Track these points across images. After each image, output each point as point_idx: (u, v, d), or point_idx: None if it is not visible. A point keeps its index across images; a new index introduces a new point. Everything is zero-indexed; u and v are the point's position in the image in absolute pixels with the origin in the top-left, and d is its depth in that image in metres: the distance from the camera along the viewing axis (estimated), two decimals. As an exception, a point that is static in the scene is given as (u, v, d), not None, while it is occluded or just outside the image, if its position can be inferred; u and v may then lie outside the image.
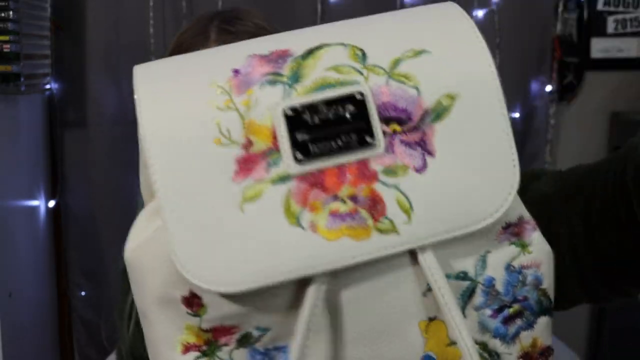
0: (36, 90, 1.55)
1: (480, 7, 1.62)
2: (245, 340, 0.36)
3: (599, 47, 1.72)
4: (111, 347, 1.54)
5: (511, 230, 0.39)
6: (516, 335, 0.39)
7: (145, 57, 1.62)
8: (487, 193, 0.36)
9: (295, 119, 0.35)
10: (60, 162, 1.68)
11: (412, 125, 0.36)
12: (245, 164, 0.35)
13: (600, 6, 1.67)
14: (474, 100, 0.37)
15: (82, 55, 1.64)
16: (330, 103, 0.35)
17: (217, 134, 0.35)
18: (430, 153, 0.36)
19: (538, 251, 0.39)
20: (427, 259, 0.36)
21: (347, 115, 0.35)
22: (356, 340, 0.37)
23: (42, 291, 1.67)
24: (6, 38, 1.37)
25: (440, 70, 0.37)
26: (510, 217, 0.38)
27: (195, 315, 0.36)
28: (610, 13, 1.68)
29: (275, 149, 0.35)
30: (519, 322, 0.39)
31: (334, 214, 0.34)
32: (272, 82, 0.36)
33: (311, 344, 0.35)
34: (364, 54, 0.37)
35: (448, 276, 0.37)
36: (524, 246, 0.39)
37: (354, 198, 0.35)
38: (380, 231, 0.35)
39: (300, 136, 0.35)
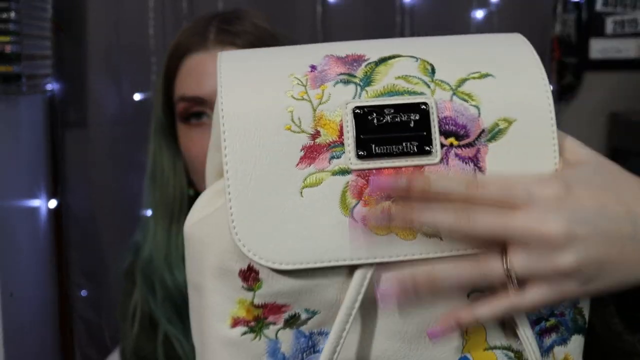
0: (37, 91, 1.56)
1: (480, 7, 1.62)
2: (293, 321, 0.38)
3: (598, 48, 1.72)
4: (112, 347, 1.54)
5: None
6: (550, 348, 0.40)
7: (145, 58, 1.62)
8: None
9: (362, 118, 0.37)
10: (61, 163, 1.68)
11: (468, 142, 0.38)
12: (311, 153, 0.37)
13: (599, 7, 1.68)
14: (528, 126, 0.38)
15: (83, 56, 1.64)
16: (396, 109, 0.38)
17: (289, 122, 0.38)
18: (480, 169, 0.38)
19: None
20: None
21: (411, 123, 0.38)
22: (392, 336, 0.38)
23: (43, 291, 1.68)
24: (7, 39, 1.38)
25: (501, 94, 0.39)
26: None
27: (250, 289, 0.38)
28: (609, 14, 1.69)
29: (340, 143, 0.37)
30: (554, 336, 0.41)
31: (385, 212, 0.36)
32: (345, 82, 0.38)
33: (351, 332, 0.37)
34: (433, 69, 0.39)
35: None
36: None
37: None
38: (425, 235, 0.36)
39: (365, 135, 0.37)
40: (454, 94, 0.39)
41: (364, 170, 0.37)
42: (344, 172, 0.37)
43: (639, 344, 0.47)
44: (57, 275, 1.73)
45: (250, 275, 0.37)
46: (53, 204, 1.69)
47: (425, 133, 0.37)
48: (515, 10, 1.63)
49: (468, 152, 0.38)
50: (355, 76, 0.39)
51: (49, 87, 1.59)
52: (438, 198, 0.36)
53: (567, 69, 1.72)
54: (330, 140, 0.37)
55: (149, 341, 0.80)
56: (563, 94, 1.75)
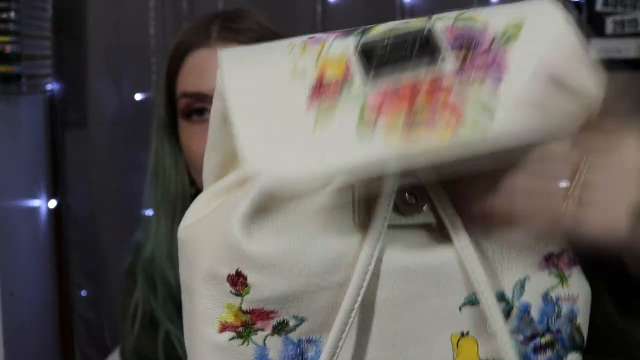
0: (37, 91, 1.56)
1: (479, 7, 1.62)
2: (281, 328, 0.37)
3: (598, 48, 1.72)
4: (112, 347, 1.54)
5: (552, 261, 0.39)
6: None
7: (145, 58, 1.62)
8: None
9: (367, 53, 0.36)
10: (61, 163, 1.68)
11: (484, 49, 0.36)
12: (319, 90, 0.35)
13: (599, 7, 1.68)
14: (539, 25, 0.37)
15: (83, 56, 1.64)
16: (400, 37, 0.36)
17: (292, 73, 0.36)
18: (504, 68, 0.35)
19: (576, 286, 0.40)
20: (478, 273, 0.37)
21: (416, 46, 0.36)
22: (383, 344, 0.38)
23: (43, 291, 1.68)
24: (7, 39, 1.38)
25: (503, 13, 0.38)
26: (553, 248, 0.39)
27: (238, 294, 0.37)
28: (609, 14, 1.69)
29: (349, 77, 0.35)
30: (549, 353, 0.40)
31: (409, 122, 0.34)
32: (345, 35, 0.38)
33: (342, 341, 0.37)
34: (430, 17, 0.39)
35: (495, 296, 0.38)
36: (562, 278, 0.40)
37: (431, 108, 0.34)
38: (470, 129, 0.34)
39: (374, 62, 0.35)
40: (455, 20, 0.38)
41: (378, 90, 0.35)
42: (358, 96, 0.35)
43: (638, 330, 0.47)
44: (57, 275, 1.73)
45: (238, 280, 0.37)
46: (53, 204, 1.69)
47: (434, 49, 0.36)
48: (515, 10, 1.63)
49: (486, 57, 0.36)
50: (353, 32, 0.38)
51: (49, 87, 1.59)
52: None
53: (567, 69, 1.72)
54: (339, 77, 0.36)
55: (149, 340, 0.80)
56: (563, 94, 1.75)
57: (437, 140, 0.33)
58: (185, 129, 0.74)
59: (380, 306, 0.37)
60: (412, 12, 1.62)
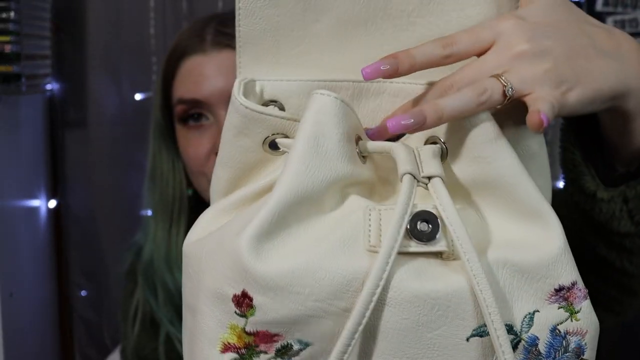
0: (37, 91, 1.55)
1: (480, 7, 1.62)
2: (284, 352, 0.37)
3: (598, 48, 1.72)
4: (112, 347, 1.54)
5: (563, 294, 0.39)
6: None
7: (145, 58, 1.62)
8: None
9: None
10: (60, 162, 1.68)
11: None
12: None
13: (599, 7, 1.68)
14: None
15: (83, 56, 1.64)
16: None
17: None
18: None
19: (585, 320, 0.39)
20: (489, 303, 0.36)
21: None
22: None
23: (43, 291, 1.68)
24: (7, 38, 1.38)
25: None
26: (564, 281, 0.39)
27: (242, 315, 0.37)
28: (610, 14, 1.69)
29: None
30: None
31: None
32: None
33: None
34: None
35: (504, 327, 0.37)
36: (572, 312, 0.39)
37: None
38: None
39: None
40: None
41: None
42: None
43: (615, 200, 0.47)
44: (57, 275, 1.73)
45: (244, 302, 0.36)
46: (53, 204, 1.69)
47: None
48: (515, 10, 1.63)
49: None
50: None
51: (49, 87, 1.59)
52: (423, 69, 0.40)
53: (567, 68, 1.72)
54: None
55: (150, 341, 0.80)
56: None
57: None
58: (182, 133, 0.75)
59: (384, 334, 0.37)
60: (412, 12, 1.62)
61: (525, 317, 0.38)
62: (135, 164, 1.65)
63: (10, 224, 1.50)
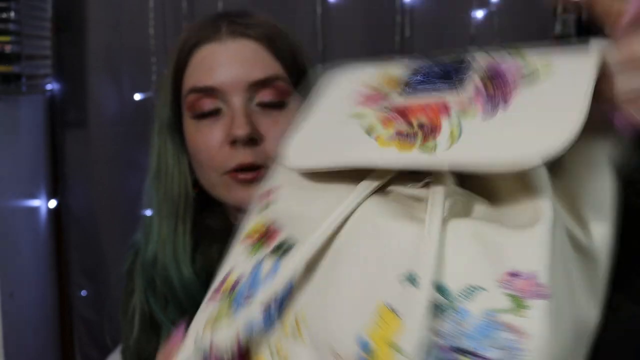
0: (37, 91, 1.56)
1: (480, 7, 1.62)
2: (276, 250, 0.42)
3: (599, 48, 1.72)
4: (112, 347, 1.54)
5: (517, 281, 0.34)
6: None
7: (145, 58, 1.62)
8: (526, 150, 0.36)
9: (415, 73, 0.43)
10: (61, 163, 1.68)
11: (504, 82, 0.40)
12: (368, 98, 0.45)
13: (599, 6, 1.68)
14: (565, 73, 0.39)
15: (83, 56, 1.64)
16: (439, 67, 0.43)
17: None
18: (505, 104, 0.38)
19: (533, 323, 0.33)
20: (428, 255, 0.35)
21: (452, 70, 0.42)
22: (317, 288, 0.40)
23: (43, 291, 1.68)
24: (7, 39, 1.38)
25: (550, 56, 0.41)
26: (523, 267, 0.34)
27: (266, 207, 0.45)
28: (609, 13, 1.69)
29: (394, 90, 0.43)
30: None
31: (399, 133, 0.40)
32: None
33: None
34: (486, 50, 0.43)
35: (431, 283, 0.35)
36: (519, 306, 0.33)
37: (421, 125, 0.40)
38: (422, 149, 0.39)
39: (414, 78, 0.43)
40: (498, 53, 0.42)
41: (400, 106, 0.42)
42: (386, 108, 0.42)
43: None
44: (57, 275, 1.73)
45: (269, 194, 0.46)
46: (53, 203, 1.69)
47: (460, 78, 0.41)
48: (515, 10, 1.63)
49: (499, 91, 0.39)
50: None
51: (49, 87, 1.59)
52: None
53: (567, 68, 1.72)
54: (387, 90, 0.44)
55: (150, 341, 0.79)
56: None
57: (400, 151, 0.39)
58: (192, 124, 0.73)
59: (333, 252, 0.40)
60: (412, 12, 1.62)
61: (468, 288, 0.34)
62: (135, 164, 1.65)
63: (10, 224, 1.51)
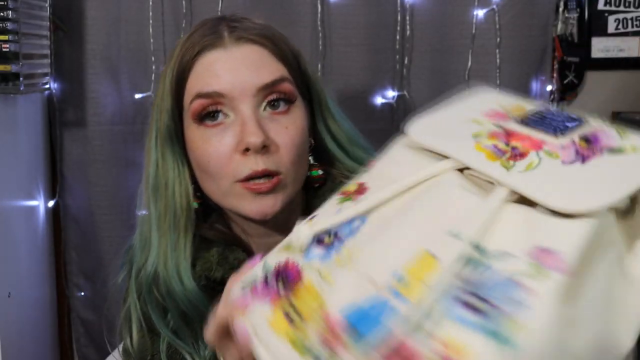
0: (35, 90, 1.55)
1: (481, 6, 1.61)
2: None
3: (600, 47, 1.71)
4: (111, 347, 1.53)
5: (544, 255, 0.38)
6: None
7: (144, 58, 1.62)
8: (582, 197, 0.41)
9: (538, 112, 0.51)
10: (59, 162, 1.67)
11: (592, 145, 0.46)
12: (494, 114, 0.52)
13: (601, 5, 1.67)
14: None
15: (82, 55, 1.63)
16: (563, 115, 0.50)
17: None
18: (583, 161, 0.44)
19: (544, 288, 0.37)
20: (479, 218, 0.41)
21: (566, 121, 0.49)
22: (379, 227, 0.45)
23: (41, 291, 1.67)
24: (5, 38, 1.37)
25: None
26: (554, 247, 0.38)
27: (367, 170, 0.52)
28: (611, 12, 1.68)
29: (516, 117, 0.51)
30: (472, 317, 0.38)
31: (495, 146, 0.47)
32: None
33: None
34: (601, 119, 0.50)
35: (471, 240, 0.40)
36: (539, 273, 0.37)
37: (514, 147, 0.46)
38: (503, 164, 0.45)
39: (535, 116, 0.50)
40: (606, 125, 0.48)
41: (514, 131, 0.48)
42: (501, 127, 0.49)
43: None
44: (56, 275, 1.73)
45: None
46: (51, 203, 1.69)
47: (568, 128, 0.47)
48: (516, 9, 1.62)
49: (587, 151, 0.45)
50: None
51: (48, 86, 1.58)
52: None
53: (569, 68, 1.71)
54: (508, 114, 0.51)
55: (148, 349, 0.79)
56: (565, 93, 1.74)
57: (487, 158, 0.46)
58: (198, 133, 0.71)
59: (400, 204, 0.46)
60: (412, 12, 1.61)
61: (501, 252, 0.39)
62: (134, 164, 1.64)
63: (8, 224, 1.50)
